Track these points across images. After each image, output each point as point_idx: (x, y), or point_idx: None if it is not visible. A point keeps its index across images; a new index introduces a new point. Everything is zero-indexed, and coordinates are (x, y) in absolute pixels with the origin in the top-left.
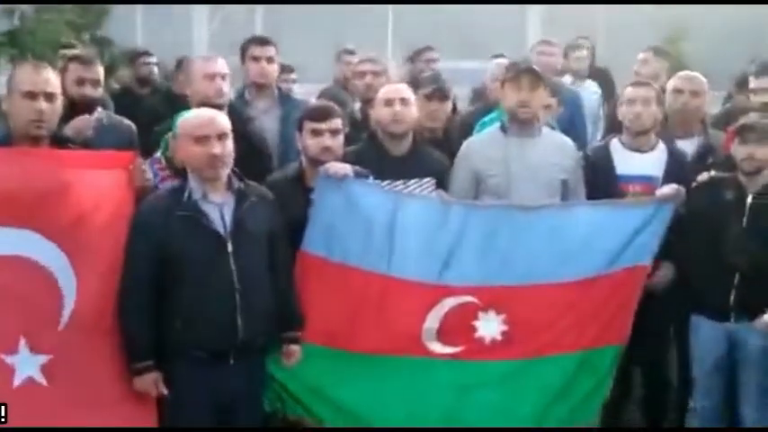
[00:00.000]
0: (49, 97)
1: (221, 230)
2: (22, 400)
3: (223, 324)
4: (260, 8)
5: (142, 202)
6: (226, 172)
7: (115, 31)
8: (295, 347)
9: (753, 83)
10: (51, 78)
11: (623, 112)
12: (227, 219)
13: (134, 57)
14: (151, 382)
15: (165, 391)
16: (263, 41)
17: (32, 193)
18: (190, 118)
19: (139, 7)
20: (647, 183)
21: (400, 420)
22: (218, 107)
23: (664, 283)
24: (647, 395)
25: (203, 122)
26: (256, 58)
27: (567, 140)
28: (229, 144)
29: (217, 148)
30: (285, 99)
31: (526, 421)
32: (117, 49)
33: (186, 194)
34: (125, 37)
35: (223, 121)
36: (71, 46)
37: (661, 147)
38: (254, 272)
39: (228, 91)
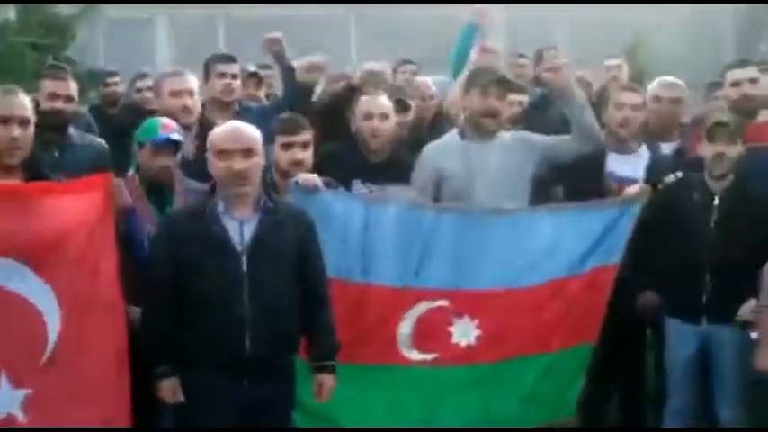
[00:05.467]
0: (23, 123)
1: (237, 247)
2: None
3: (229, 342)
4: (221, 22)
5: (170, 209)
6: (251, 189)
7: (77, 52)
8: (326, 377)
9: (736, 74)
10: (24, 103)
11: (610, 116)
12: (247, 236)
13: (100, 77)
14: (168, 389)
15: (182, 398)
16: (228, 59)
17: (13, 226)
18: (217, 131)
19: (101, 29)
20: (628, 183)
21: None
22: (183, 125)
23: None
24: (624, 397)
25: (227, 137)
26: (222, 75)
27: (522, 133)
28: (256, 160)
29: (239, 164)
30: (245, 112)
31: (502, 423)
32: (81, 70)
33: (209, 208)
34: (87, 59)
35: (250, 135)
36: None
37: (644, 150)
38: (272, 292)
39: (196, 106)
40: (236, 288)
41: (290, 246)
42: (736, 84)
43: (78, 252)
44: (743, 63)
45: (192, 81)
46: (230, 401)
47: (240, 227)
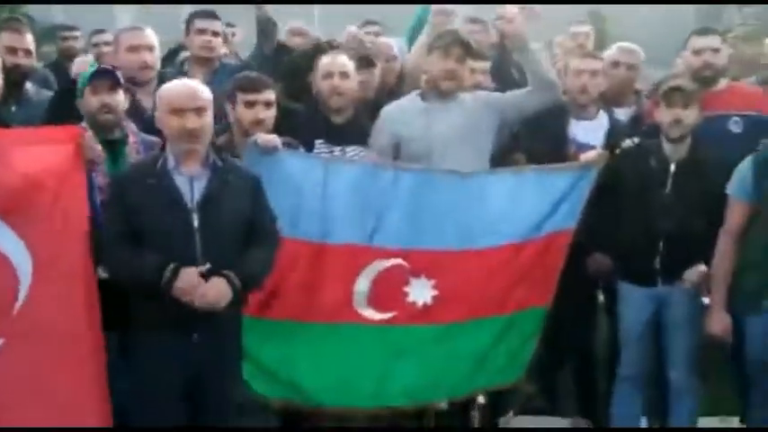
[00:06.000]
0: None
1: (188, 203)
2: None
3: (177, 300)
4: None
5: (120, 169)
6: (202, 146)
7: (34, 8)
8: (220, 282)
9: (699, 42)
10: None
11: (570, 83)
12: (197, 192)
13: (58, 32)
14: (192, 275)
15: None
16: (209, 15)
17: None
18: (169, 87)
19: None
20: (587, 149)
21: (334, 387)
22: (141, 81)
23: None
24: (576, 362)
25: (181, 94)
26: (202, 31)
27: (482, 93)
28: (207, 117)
29: (192, 122)
30: (223, 69)
31: (456, 384)
32: (37, 27)
33: (160, 163)
34: (45, 15)
35: (203, 93)
36: None
37: (602, 116)
38: (221, 249)
39: (156, 62)
40: (188, 244)
41: (240, 204)
42: (698, 51)
43: (50, 205)
44: (706, 31)
45: (151, 36)
46: (180, 356)
47: (190, 183)
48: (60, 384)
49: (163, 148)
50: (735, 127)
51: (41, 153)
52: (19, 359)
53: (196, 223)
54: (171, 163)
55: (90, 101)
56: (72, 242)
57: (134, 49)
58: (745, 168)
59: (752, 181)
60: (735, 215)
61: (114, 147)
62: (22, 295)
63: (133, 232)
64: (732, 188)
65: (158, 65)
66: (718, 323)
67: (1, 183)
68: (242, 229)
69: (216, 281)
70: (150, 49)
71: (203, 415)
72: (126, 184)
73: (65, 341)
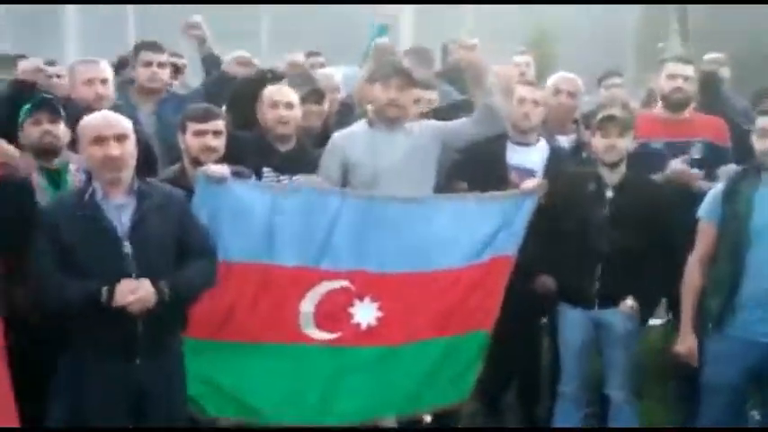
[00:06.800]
0: None
1: (118, 232)
2: None
3: (122, 325)
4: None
5: (49, 200)
6: (126, 173)
7: None
8: (146, 285)
9: (676, 68)
10: None
11: (513, 110)
12: (125, 220)
13: (10, 62)
14: (127, 287)
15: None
16: (154, 47)
17: None
18: (89, 119)
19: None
20: (528, 175)
21: (282, 404)
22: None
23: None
24: (521, 383)
25: (100, 124)
26: (148, 63)
27: (429, 122)
28: (129, 145)
29: (115, 150)
30: (169, 99)
31: (399, 404)
32: None
33: (88, 195)
34: None
35: (122, 122)
36: None
37: (542, 143)
38: (156, 274)
39: (111, 94)
40: (122, 272)
41: (169, 226)
42: (672, 77)
43: None
44: (683, 59)
45: (106, 69)
46: (125, 381)
47: (119, 212)
48: None
49: (90, 180)
50: (696, 152)
51: None
52: None
53: (128, 251)
54: (98, 194)
55: (31, 131)
56: None
57: (89, 82)
58: (716, 193)
59: (721, 205)
60: (704, 238)
61: (56, 175)
62: None
63: (65, 264)
64: (703, 211)
65: (113, 96)
66: (685, 345)
67: None
68: (174, 250)
69: (138, 283)
70: (104, 81)
71: None
72: (56, 216)
73: None
